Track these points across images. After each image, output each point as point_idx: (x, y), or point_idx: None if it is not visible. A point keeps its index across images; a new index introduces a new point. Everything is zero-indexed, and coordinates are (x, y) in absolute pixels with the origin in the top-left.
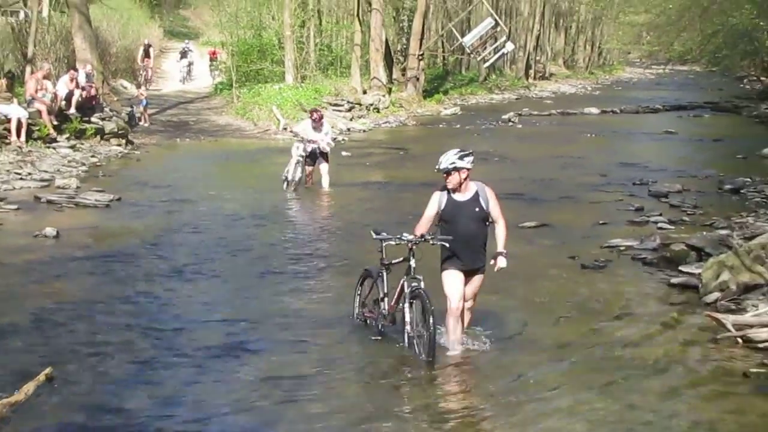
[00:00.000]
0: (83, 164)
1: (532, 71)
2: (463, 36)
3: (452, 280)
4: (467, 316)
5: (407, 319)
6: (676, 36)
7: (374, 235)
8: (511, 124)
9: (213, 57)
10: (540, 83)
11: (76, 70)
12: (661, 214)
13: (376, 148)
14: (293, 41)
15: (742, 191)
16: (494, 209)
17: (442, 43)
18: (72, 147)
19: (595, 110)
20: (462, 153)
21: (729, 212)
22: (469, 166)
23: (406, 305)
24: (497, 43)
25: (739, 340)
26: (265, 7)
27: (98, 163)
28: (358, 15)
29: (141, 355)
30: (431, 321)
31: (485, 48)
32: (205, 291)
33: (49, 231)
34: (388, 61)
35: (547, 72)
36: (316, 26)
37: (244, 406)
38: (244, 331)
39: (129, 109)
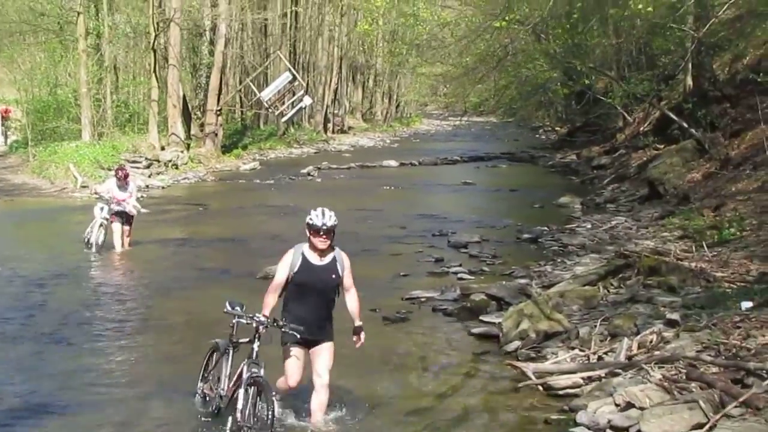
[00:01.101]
0: None
1: (330, 125)
2: (260, 91)
3: (293, 357)
4: (324, 394)
5: (239, 406)
6: (471, 87)
7: (228, 308)
8: (310, 177)
9: (5, 116)
10: (338, 137)
11: None
12: (460, 265)
13: (175, 205)
14: (89, 98)
15: (539, 240)
16: (348, 278)
17: (240, 98)
18: None
19: (393, 163)
20: (333, 213)
21: (527, 261)
22: None
23: (241, 391)
24: (295, 98)
25: (540, 387)
26: (61, 64)
27: None
28: (154, 70)
29: None
30: (272, 413)
31: (283, 102)
32: (3, 353)
33: None
34: (186, 117)
35: (346, 125)
36: (112, 82)
37: None
38: (45, 392)
39: None
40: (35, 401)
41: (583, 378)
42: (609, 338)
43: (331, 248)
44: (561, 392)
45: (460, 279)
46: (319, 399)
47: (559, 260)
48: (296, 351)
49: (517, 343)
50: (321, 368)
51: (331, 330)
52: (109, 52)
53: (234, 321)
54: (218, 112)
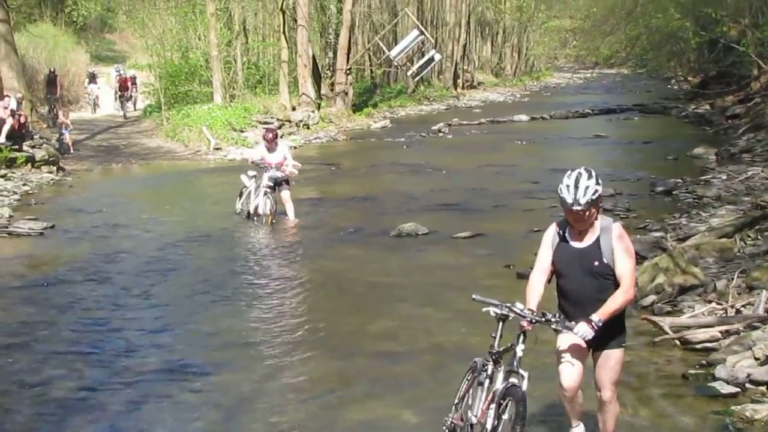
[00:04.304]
0: (15, 193)
1: (460, 81)
2: (389, 49)
3: (566, 349)
4: (606, 413)
5: (488, 426)
6: (601, 39)
7: (478, 297)
8: (441, 134)
9: (124, 86)
10: (468, 92)
11: (8, 98)
12: None
13: (308, 164)
14: (220, 61)
15: (674, 192)
16: (621, 262)
17: (369, 56)
18: (3, 176)
19: (524, 117)
20: (594, 175)
21: (662, 214)
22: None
23: (492, 408)
24: (426, 57)
25: (677, 342)
26: (191, 28)
27: (30, 192)
28: (283, 32)
29: (82, 381)
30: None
31: (413, 60)
32: (144, 314)
33: None
34: (316, 77)
35: (475, 81)
36: (242, 45)
37: (187, 428)
38: (184, 353)
39: (61, 133)
40: (173, 361)
41: (720, 332)
42: (747, 291)
43: (594, 222)
44: (698, 346)
45: None
46: (601, 419)
47: (694, 212)
48: (571, 342)
49: (652, 297)
50: (601, 379)
51: (620, 331)
52: (238, 15)
53: (496, 328)
54: (348, 71)
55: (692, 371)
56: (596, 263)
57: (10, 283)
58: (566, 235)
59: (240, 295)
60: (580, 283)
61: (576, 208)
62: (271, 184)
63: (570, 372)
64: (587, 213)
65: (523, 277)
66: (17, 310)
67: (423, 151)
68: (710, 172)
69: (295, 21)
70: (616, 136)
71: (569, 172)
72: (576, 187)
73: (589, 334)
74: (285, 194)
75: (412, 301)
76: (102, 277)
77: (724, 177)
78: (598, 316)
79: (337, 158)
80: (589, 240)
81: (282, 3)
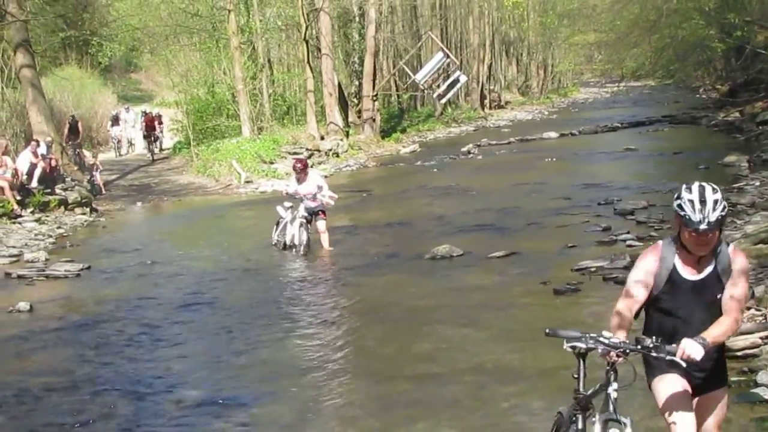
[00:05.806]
0: (50, 236)
1: (487, 101)
2: (415, 73)
3: (673, 394)
4: None
5: None
6: (627, 52)
7: (552, 331)
8: (471, 155)
9: (150, 125)
10: (496, 112)
11: (37, 142)
12: (628, 232)
13: (339, 192)
14: (246, 94)
15: None
16: (737, 286)
17: (395, 81)
18: (37, 220)
19: (553, 134)
20: (716, 187)
21: None
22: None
23: None
24: (451, 78)
25: None
26: (216, 63)
27: (65, 234)
28: (308, 61)
29: (124, 420)
30: None
31: (438, 83)
32: (183, 349)
33: (23, 305)
34: (343, 105)
35: (503, 100)
36: (268, 77)
37: None
38: (225, 386)
39: (92, 174)
40: (214, 395)
41: (761, 338)
42: None
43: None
44: (739, 354)
45: (629, 246)
46: None
47: (728, 220)
48: (677, 383)
49: None
50: (708, 425)
51: (724, 369)
52: (262, 47)
53: (577, 367)
54: (374, 98)
55: (733, 378)
56: (718, 296)
57: (50, 325)
58: (676, 263)
59: (278, 325)
60: (694, 320)
61: (703, 227)
62: (307, 214)
63: (684, 419)
64: (715, 234)
65: (560, 292)
66: (58, 351)
67: (453, 174)
68: (743, 179)
69: (319, 50)
70: (646, 148)
71: (685, 186)
72: (702, 201)
73: (699, 352)
74: (320, 225)
75: (450, 323)
76: (140, 315)
77: (758, 183)
78: (705, 336)
79: (368, 185)
80: (707, 268)
81: (305, 33)
